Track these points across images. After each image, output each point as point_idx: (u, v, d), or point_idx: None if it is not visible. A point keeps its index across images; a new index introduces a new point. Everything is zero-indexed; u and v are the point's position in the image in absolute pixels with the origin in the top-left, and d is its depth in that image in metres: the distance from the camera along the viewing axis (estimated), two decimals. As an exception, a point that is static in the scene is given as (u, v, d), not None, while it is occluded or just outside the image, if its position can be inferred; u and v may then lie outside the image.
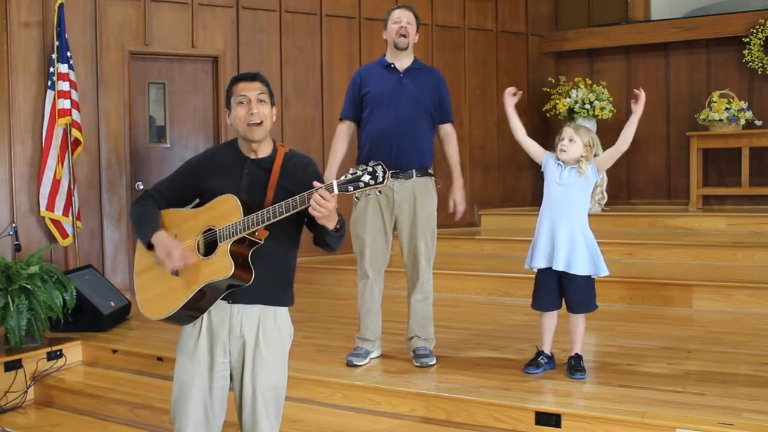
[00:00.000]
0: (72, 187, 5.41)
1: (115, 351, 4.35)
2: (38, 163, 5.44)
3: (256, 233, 2.31)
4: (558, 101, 7.13)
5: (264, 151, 2.47)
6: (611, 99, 7.09)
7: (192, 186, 2.50)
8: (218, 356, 2.42)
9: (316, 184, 2.18)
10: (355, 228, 3.74)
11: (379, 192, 2.13)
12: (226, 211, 2.33)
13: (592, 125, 6.96)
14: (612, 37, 7.53)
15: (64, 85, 5.29)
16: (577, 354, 3.47)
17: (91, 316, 4.65)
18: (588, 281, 3.40)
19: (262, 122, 2.39)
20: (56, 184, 5.34)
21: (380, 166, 2.13)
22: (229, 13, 6.31)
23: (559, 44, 7.79)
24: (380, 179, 2.12)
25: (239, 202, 2.31)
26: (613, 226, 6.40)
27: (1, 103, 5.46)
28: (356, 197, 2.15)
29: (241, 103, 2.40)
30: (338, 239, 2.37)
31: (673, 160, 7.39)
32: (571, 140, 3.39)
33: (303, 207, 2.19)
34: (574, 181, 3.41)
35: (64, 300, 4.38)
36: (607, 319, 4.55)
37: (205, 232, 2.38)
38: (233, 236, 2.28)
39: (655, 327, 4.38)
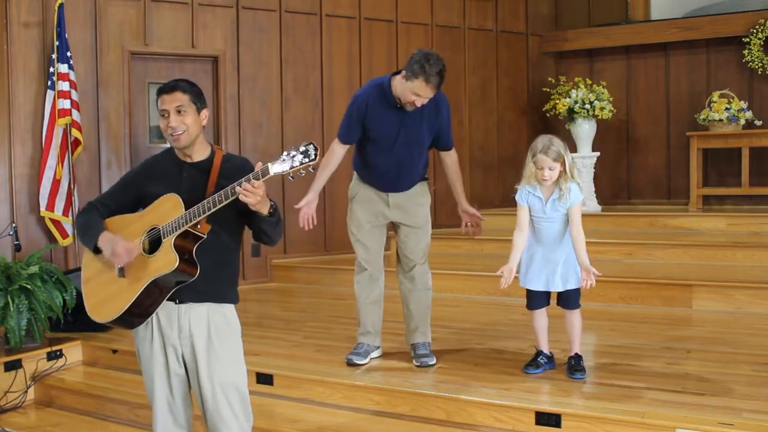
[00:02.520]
0: (72, 187, 5.41)
1: (115, 351, 4.35)
2: (38, 163, 5.44)
3: (199, 226, 2.38)
4: (558, 101, 7.13)
5: (200, 154, 2.55)
6: (611, 99, 7.08)
7: (133, 195, 2.58)
8: (171, 356, 2.50)
9: (257, 166, 2.27)
10: (351, 223, 3.77)
11: (313, 169, 2.21)
12: (168, 209, 2.41)
13: (591, 125, 6.97)
14: (612, 37, 7.53)
15: (64, 85, 5.29)
16: (576, 354, 3.47)
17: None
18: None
19: (183, 132, 2.47)
20: (56, 184, 5.34)
21: (312, 145, 2.21)
22: (229, 13, 6.31)
23: (559, 44, 7.79)
24: (312, 157, 2.20)
25: (180, 199, 2.39)
26: (613, 226, 6.41)
27: (1, 103, 5.46)
28: (291, 177, 2.23)
29: (163, 116, 2.49)
30: (275, 226, 2.44)
31: (673, 160, 7.39)
32: (550, 169, 3.30)
33: (238, 194, 2.28)
34: (555, 214, 3.37)
35: (64, 300, 4.38)
36: (607, 319, 4.55)
37: (149, 231, 2.45)
38: (176, 230, 2.36)
39: (655, 327, 4.38)
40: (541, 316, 3.54)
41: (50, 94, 5.37)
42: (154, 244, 2.43)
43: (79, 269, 4.94)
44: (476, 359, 3.79)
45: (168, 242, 2.37)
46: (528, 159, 3.38)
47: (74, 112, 5.35)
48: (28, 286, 4.16)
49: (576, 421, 2.97)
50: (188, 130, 2.48)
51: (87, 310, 2.56)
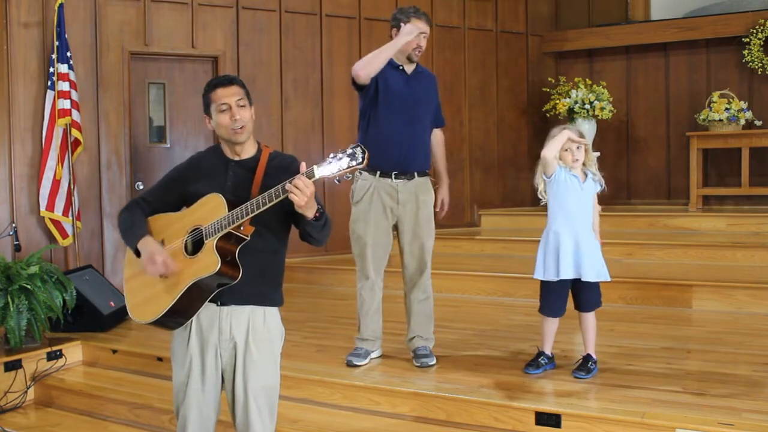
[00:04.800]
0: (72, 187, 5.41)
1: (115, 351, 4.35)
2: (38, 163, 5.44)
3: (242, 228, 2.32)
4: (558, 101, 7.13)
5: (247, 152, 2.50)
6: (611, 99, 7.09)
7: (178, 193, 2.52)
8: (209, 359, 2.44)
9: (302, 167, 2.19)
10: (357, 229, 3.71)
11: (360, 173, 2.16)
12: (211, 209, 2.35)
13: (591, 125, 6.97)
14: (612, 37, 7.53)
15: (64, 85, 5.29)
16: (588, 354, 3.47)
17: (91, 316, 4.65)
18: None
19: (244, 126, 2.42)
20: (56, 184, 5.34)
21: (359, 148, 2.13)
22: (229, 13, 6.31)
23: (559, 44, 7.79)
24: (360, 160, 2.12)
25: (224, 199, 2.33)
26: (613, 226, 6.41)
27: (1, 103, 5.46)
28: (337, 180, 2.17)
29: (223, 110, 2.42)
30: (320, 229, 2.36)
31: (673, 160, 7.39)
32: (578, 148, 3.40)
33: (285, 195, 2.20)
34: (591, 191, 3.46)
35: (64, 300, 4.38)
36: (607, 319, 4.54)
37: (191, 231, 2.39)
38: (219, 232, 2.30)
39: (655, 327, 4.38)
40: (554, 321, 3.54)
41: (50, 94, 5.37)
42: (196, 245, 2.37)
43: (78, 269, 5.01)
44: (476, 359, 3.79)
45: (210, 244, 2.30)
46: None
47: (74, 112, 5.35)
48: (28, 286, 4.16)
49: (576, 421, 2.97)
50: (247, 124, 2.44)
51: (128, 310, 2.50)
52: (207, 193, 2.39)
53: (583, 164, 3.45)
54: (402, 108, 3.65)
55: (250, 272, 2.37)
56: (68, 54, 5.36)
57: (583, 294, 3.44)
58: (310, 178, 2.16)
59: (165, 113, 6.22)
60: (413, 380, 3.47)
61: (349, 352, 3.79)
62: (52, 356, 4.32)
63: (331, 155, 2.15)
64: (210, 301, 2.40)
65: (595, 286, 3.43)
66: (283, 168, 2.43)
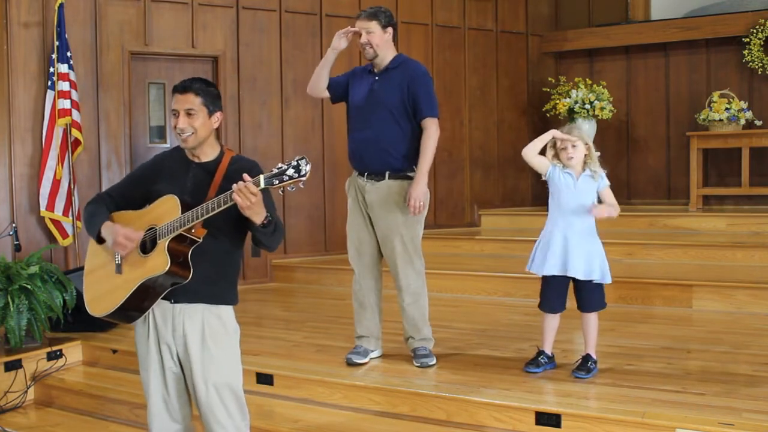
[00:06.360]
0: (72, 187, 5.41)
1: (115, 351, 4.35)
2: (38, 163, 5.44)
3: (194, 231, 2.38)
4: (558, 101, 7.13)
5: (208, 155, 2.55)
6: (611, 99, 7.09)
7: (141, 191, 2.58)
8: (165, 354, 2.52)
9: (245, 176, 2.25)
10: (347, 223, 3.82)
11: (302, 185, 2.21)
12: (166, 210, 2.41)
13: (592, 125, 6.97)
14: (612, 37, 7.53)
15: (64, 85, 5.29)
16: (587, 354, 3.47)
17: (91, 316, 4.63)
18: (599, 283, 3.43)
19: (190, 134, 2.47)
20: (56, 184, 5.34)
21: (304, 160, 2.21)
22: (229, 13, 6.31)
23: (559, 44, 7.79)
24: (303, 173, 2.20)
25: (178, 202, 2.39)
26: (613, 226, 6.39)
27: (1, 103, 5.45)
28: (281, 191, 2.24)
29: (174, 116, 2.49)
30: (269, 236, 2.41)
31: (673, 160, 7.39)
32: (573, 146, 3.40)
33: (233, 202, 2.27)
34: (587, 188, 3.43)
35: (64, 300, 4.38)
36: (607, 319, 4.54)
37: (147, 231, 2.45)
38: (171, 233, 2.36)
39: (655, 327, 4.38)
40: (554, 318, 3.53)
41: (50, 94, 5.37)
42: (153, 243, 2.44)
43: (79, 269, 4.98)
44: (476, 359, 3.79)
45: (162, 245, 2.38)
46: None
47: (74, 112, 5.35)
48: (28, 286, 4.16)
49: (576, 421, 2.97)
50: (196, 132, 2.47)
51: (85, 303, 2.59)
52: (168, 192, 2.45)
53: (585, 162, 3.45)
54: (361, 111, 3.68)
55: (203, 272, 2.43)
56: (68, 54, 5.37)
57: (582, 293, 3.44)
58: (256, 186, 2.23)
59: (165, 113, 6.22)
60: (413, 380, 3.47)
61: (349, 351, 3.80)
62: (52, 356, 4.32)
63: (278, 166, 2.22)
64: (164, 299, 2.46)
65: (594, 286, 3.40)
66: (244, 171, 2.44)
